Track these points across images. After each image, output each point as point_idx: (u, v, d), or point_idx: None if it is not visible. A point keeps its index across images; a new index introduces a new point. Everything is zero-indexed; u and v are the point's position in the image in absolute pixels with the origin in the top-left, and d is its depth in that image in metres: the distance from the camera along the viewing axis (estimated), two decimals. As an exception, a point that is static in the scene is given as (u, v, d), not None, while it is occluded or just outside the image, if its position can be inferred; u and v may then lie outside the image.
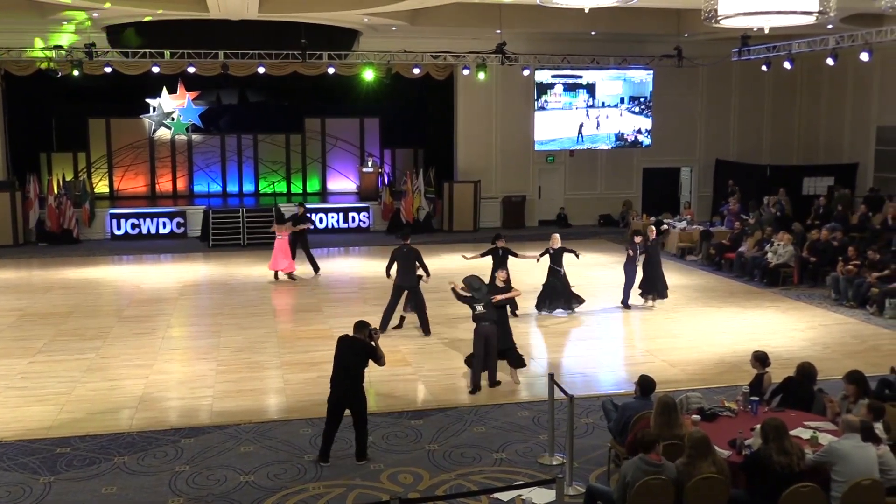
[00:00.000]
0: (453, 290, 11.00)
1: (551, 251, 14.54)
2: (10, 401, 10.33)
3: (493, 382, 10.83)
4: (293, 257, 17.85)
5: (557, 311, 14.70)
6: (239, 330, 13.78)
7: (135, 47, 21.14)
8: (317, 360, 11.88)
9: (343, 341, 8.52)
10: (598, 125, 24.61)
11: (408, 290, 13.42)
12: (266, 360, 12.05)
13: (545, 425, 8.93)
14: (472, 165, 25.23)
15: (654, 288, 15.34)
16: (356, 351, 8.42)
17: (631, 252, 15.12)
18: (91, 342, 12.96)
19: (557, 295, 14.66)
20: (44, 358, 12.15)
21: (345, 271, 19.58)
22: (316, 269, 18.27)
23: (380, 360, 8.49)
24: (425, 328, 13.39)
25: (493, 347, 10.71)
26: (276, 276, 17.76)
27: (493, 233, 15.75)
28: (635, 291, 15.31)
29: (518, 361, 11.10)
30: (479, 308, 10.64)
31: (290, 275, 17.79)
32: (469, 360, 10.92)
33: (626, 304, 15.25)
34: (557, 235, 14.95)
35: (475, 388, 10.62)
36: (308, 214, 18.94)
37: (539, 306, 14.72)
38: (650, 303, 15.35)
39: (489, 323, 10.65)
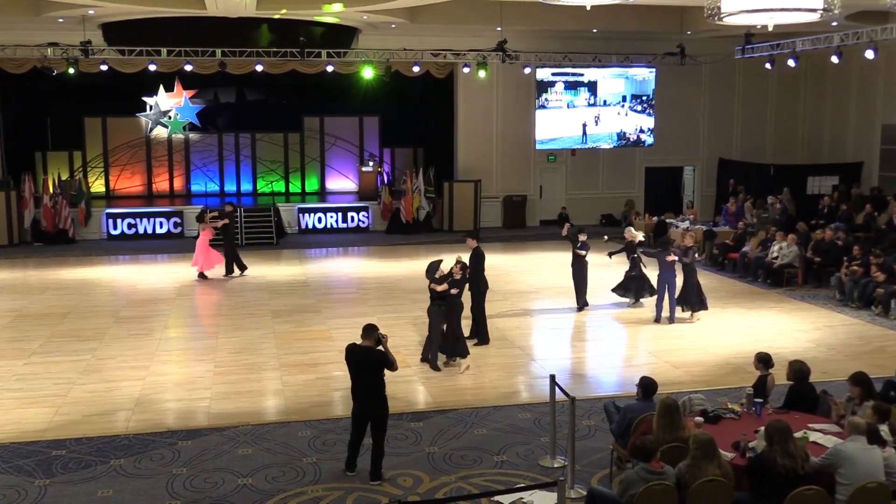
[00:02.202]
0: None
1: (635, 245, 15.01)
2: (5, 402, 10.24)
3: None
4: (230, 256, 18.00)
5: (645, 298, 15.13)
6: (236, 331, 13.67)
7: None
8: (315, 361, 11.78)
9: (353, 352, 8.07)
10: (597, 122, 24.40)
11: (480, 294, 12.66)
12: (264, 362, 11.93)
13: (546, 427, 8.83)
14: (473, 165, 25.12)
15: (691, 298, 14.17)
16: (369, 362, 8.00)
17: (678, 258, 14.03)
18: (87, 343, 12.86)
19: (643, 283, 15.14)
20: (39, 359, 12.05)
21: (343, 271, 19.47)
22: (229, 271, 17.98)
23: (392, 366, 8.09)
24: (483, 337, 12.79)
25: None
26: (202, 275, 17.66)
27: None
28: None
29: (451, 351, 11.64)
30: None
31: (203, 273, 17.71)
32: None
33: (671, 319, 14.09)
34: (631, 228, 15.28)
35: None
36: (235, 214, 18.97)
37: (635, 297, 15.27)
38: (694, 315, 14.18)
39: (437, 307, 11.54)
